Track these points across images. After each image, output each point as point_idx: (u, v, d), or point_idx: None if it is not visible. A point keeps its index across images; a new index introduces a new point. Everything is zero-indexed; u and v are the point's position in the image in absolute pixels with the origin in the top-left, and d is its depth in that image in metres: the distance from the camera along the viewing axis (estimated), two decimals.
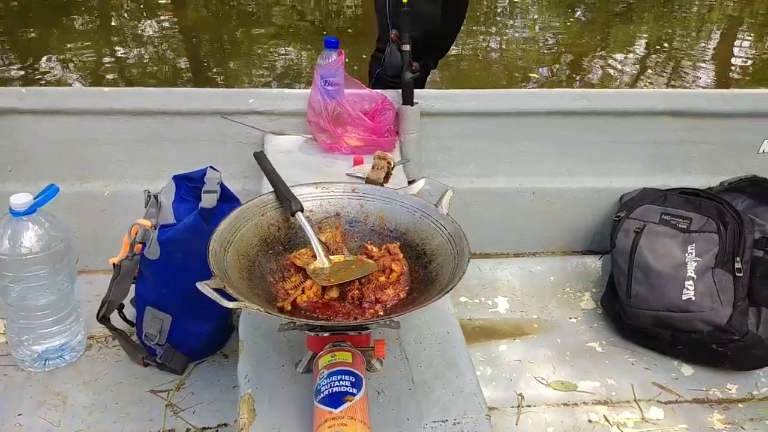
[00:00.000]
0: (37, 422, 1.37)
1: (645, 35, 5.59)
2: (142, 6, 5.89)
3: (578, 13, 6.17)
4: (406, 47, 1.68)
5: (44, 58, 4.48)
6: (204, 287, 0.85)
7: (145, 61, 4.57)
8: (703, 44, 5.47)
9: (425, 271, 1.03)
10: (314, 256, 1.03)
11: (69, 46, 4.71)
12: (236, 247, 0.99)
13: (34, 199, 1.38)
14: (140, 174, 1.80)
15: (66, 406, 1.42)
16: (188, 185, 1.41)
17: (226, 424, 1.40)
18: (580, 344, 1.69)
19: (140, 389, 1.47)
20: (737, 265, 1.60)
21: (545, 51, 5.09)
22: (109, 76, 4.29)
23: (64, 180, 1.71)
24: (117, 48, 4.86)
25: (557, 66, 4.75)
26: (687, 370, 1.62)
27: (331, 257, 1.05)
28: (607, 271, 1.84)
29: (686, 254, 1.64)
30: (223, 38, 5.14)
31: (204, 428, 1.39)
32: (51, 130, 1.74)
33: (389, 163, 1.41)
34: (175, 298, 1.39)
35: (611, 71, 4.71)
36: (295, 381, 0.99)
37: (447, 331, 1.11)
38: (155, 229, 1.35)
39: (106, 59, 4.60)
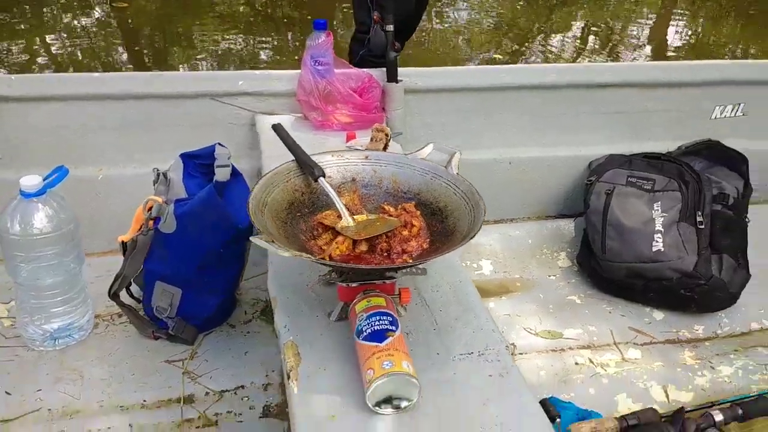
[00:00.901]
0: (57, 396, 1.41)
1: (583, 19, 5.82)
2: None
3: None
4: (390, 27, 1.78)
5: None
6: (258, 240, 0.92)
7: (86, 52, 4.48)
8: (637, 27, 5.73)
9: (443, 225, 1.12)
10: (339, 217, 1.12)
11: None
12: (270, 209, 1.07)
13: (44, 180, 1.42)
14: (132, 157, 1.83)
15: (84, 380, 1.46)
16: (196, 162, 1.47)
17: (243, 386, 1.47)
18: (561, 298, 1.83)
19: (154, 360, 1.52)
20: (699, 219, 1.76)
21: (490, 32, 5.25)
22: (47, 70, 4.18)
23: (56, 164, 1.73)
24: (53, 41, 4.74)
25: (512, 47, 4.91)
26: (658, 315, 1.79)
27: (354, 217, 1.14)
28: (580, 232, 1.99)
29: (653, 211, 1.79)
30: (165, 27, 5.08)
31: (223, 391, 1.46)
32: (41, 117, 1.76)
33: (387, 134, 1.50)
34: (189, 270, 1.45)
35: (554, 50, 4.90)
36: (331, 328, 1.08)
37: (459, 280, 1.22)
38: (168, 204, 1.40)
39: (45, 52, 4.49)
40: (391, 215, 1.15)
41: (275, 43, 4.77)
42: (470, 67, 1.91)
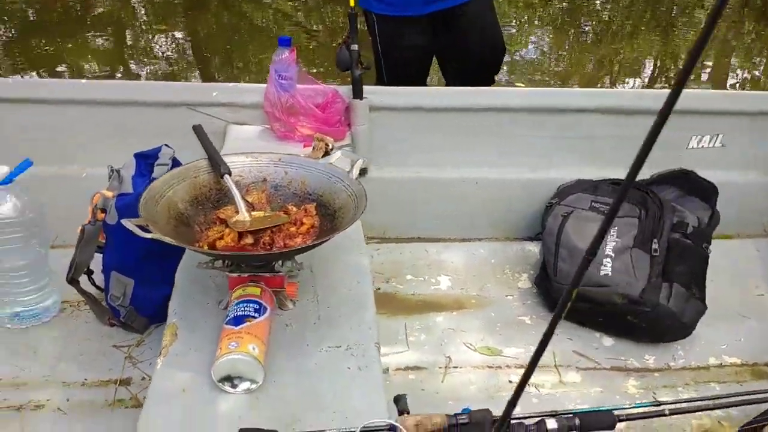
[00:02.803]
0: (9, 368, 1.54)
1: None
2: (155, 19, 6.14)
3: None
4: (354, 47, 1.86)
5: (56, 68, 4.71)
6: (127, 223, 1.01)
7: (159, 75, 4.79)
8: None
9: (331, 224, 1.19)
10: (237, 212, 1.20)
11: (80, 59, 4.94)
12: (167, 200, 1.16)
13: (10, 171, 1.56)
14: (114, 158, 1.96)
15: (37, 356, 1.58)
16: (146, 162, 1.59)
17: None
18: (512, 317, 1.83)
19: (104, 344, 1.63)
20: (654, 246, 1.74)
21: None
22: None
23: (44, 163, 1.89)
24: (130, 62, 5.09)
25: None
26: (607, 341, 1.76)
27: (253, 213, 1.22)
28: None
29: (608, 236, 1.78)
30: (230, 50, 5.35)
31: None
32: (30, 118, 1.91)
33: (327, 144, 1.58)
34: (132, 261, 1.55)
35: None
36: (216, 316, 1.15)
37: (358, 281, 1.27)
38: (115, 197, 1.52)
39: (119, 72, 4.83)
40: (290, 214, 1.22)
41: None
42: (436, 88, 1.96)
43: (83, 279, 1.65)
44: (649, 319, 1.68)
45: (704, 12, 6.66)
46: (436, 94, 1.96)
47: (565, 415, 0.96)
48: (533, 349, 1.76)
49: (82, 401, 1.49)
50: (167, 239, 1.01)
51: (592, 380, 1.66)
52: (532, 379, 1.62)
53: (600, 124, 2.00)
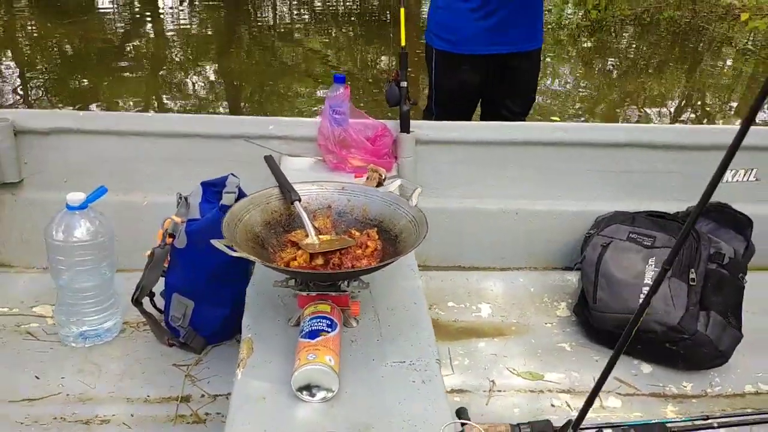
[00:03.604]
0: (77, 384, 1.63)
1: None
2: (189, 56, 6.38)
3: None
4: (404, 84, 1.97)
5: (93, 105, 4.91)
6: (218, 243, 1.11)
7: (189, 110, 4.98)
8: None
9: (394, 248, 1.27)
10: (307, 235, 1.29)
11: (115, 95, 5.15)
12: (244, 223, 1.26)
13: (87, 197, 1.68)
14: (174, 187, 2.08)
15: (101, 373, 1.67)
16: (213, 190, 1.69)
17: None
18: (552, 344, 1.89)
19: (164, 363, 1.72)
20: (692, 276, 1.80)
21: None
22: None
23: (110, 191, 2.01)
24: (163, 96, 5.29)
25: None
26: (646, 368, 1.81)
27: (320, 237, 1.31)
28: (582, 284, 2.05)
29: (647, 266, 1.85)
30: (264, 86, 5.54)
31: (216, 395, 1.63)
32: (101, 148, 2.05)
33: (380, 174, 1.68)
34: (198, 282, 1.65)
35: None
36: (287, 332, 1.24)
37: (414, 302, 1.35)
38: (184, 223, 1.62)
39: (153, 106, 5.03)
40: (353, 238, 1.31)
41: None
42: (478, 123, 2.06)
43: (145, 300, 1.76)
44: (687, 347, 1.73)
45: (733, 49, 6.77)
46: (478, 128, 2.06)
47: (621, 426, 1.02)
48: (575, 375, 1.83)
49: (145, 417, 1.57)
50: (252, 257, 1.10)
51: (631, 406, 1.70)
52: (574, 404, 1.69)
53: (636, 158, 2.08)
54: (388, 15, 7.93)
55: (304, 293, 1.21)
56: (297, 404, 1.06)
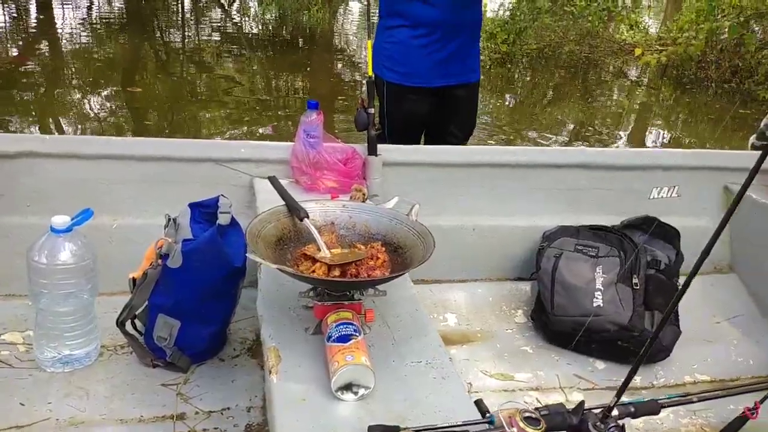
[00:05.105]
0: (65, 409, 1.61)
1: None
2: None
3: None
4: (371, 110, 2.10)
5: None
6: (252, 255, 1.18)
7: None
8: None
9: (401, 259, 1.39)
10: (319, 249, 1.38)
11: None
12: (263, 239, 1.33)
13: (72, 220, 1.67)
14: (143, 211, 2.10)
15: (89, 397, 1.66)
16: (201, 210, 1.73)
17: (228, 408, 1.67)
18: (515, 348, 2.06)
19: (152, 383, 1.72)
20: (635, 281, 2.03)
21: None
22: None
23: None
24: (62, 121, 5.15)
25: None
26: (600, 365, 2.01)
27: (331, 250, 1.40)
28: (535, 292, 2.24)
29: (595, 273, 2.06)
30: (178, 115, 5.49)
31: (210, 411, 1.66)
32: (66, 172, 2.03)
33: (363, 193, 1.79)
34: (190, 301, 1.68)
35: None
36: (307, 340, 1.32)
37: (416, 309, 1.47)
38: (176, 243, 1.66)
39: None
40: (360, 250, 1.42)
41: None
42: (440, 147, 2.22)
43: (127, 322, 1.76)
44: (637, 343, 1.95)
45: (626, 81, 7.42)
46: (439, 151, 2.22)
47: (624, 405, 1.18)
48: (540, 374, 2.00)
49: None
50: (290, 270, 1.18)
51: (592, 398, 1.88)
52: (544, 400, 1.85)
53: (576, 177, 2.31)
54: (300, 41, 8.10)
55: (322, 303, 1.30)
56: (336, 402, 1.15)
